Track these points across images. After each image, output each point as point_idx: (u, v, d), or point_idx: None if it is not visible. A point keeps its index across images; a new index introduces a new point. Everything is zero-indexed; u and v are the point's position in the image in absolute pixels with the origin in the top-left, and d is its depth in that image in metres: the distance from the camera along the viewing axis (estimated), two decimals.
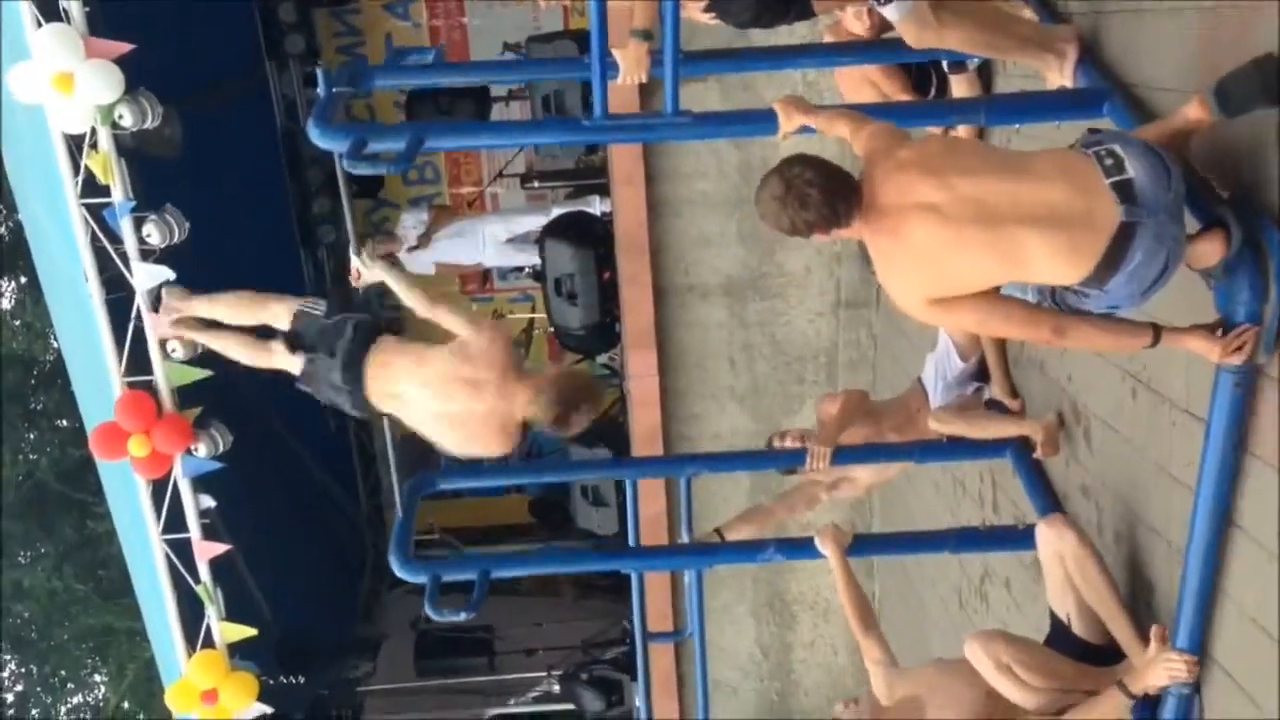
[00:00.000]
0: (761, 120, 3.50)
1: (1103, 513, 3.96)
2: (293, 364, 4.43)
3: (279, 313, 4.49)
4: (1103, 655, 3.55)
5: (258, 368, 4.70)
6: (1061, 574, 3.67)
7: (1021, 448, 4.39)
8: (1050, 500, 4.27)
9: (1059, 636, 3.69)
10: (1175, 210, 2.75)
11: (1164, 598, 3.48)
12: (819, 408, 5.17)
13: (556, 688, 8.82)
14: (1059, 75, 3.62)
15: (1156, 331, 2.94)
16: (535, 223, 8.16)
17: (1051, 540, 3.70)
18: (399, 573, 4.24)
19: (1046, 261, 2.81)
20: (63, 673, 14.77)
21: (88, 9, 5.44)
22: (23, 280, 12.65)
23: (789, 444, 4.84)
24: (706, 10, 3.93)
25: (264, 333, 4.69)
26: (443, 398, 4.06)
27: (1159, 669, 3.19)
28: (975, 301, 2.96)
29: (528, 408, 3.92)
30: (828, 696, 7.74)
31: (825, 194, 2.91)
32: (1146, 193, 2.71)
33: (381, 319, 4.62)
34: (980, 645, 3.49)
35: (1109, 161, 2.76)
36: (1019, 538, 4.21)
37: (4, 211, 12.45)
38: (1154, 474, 3.50)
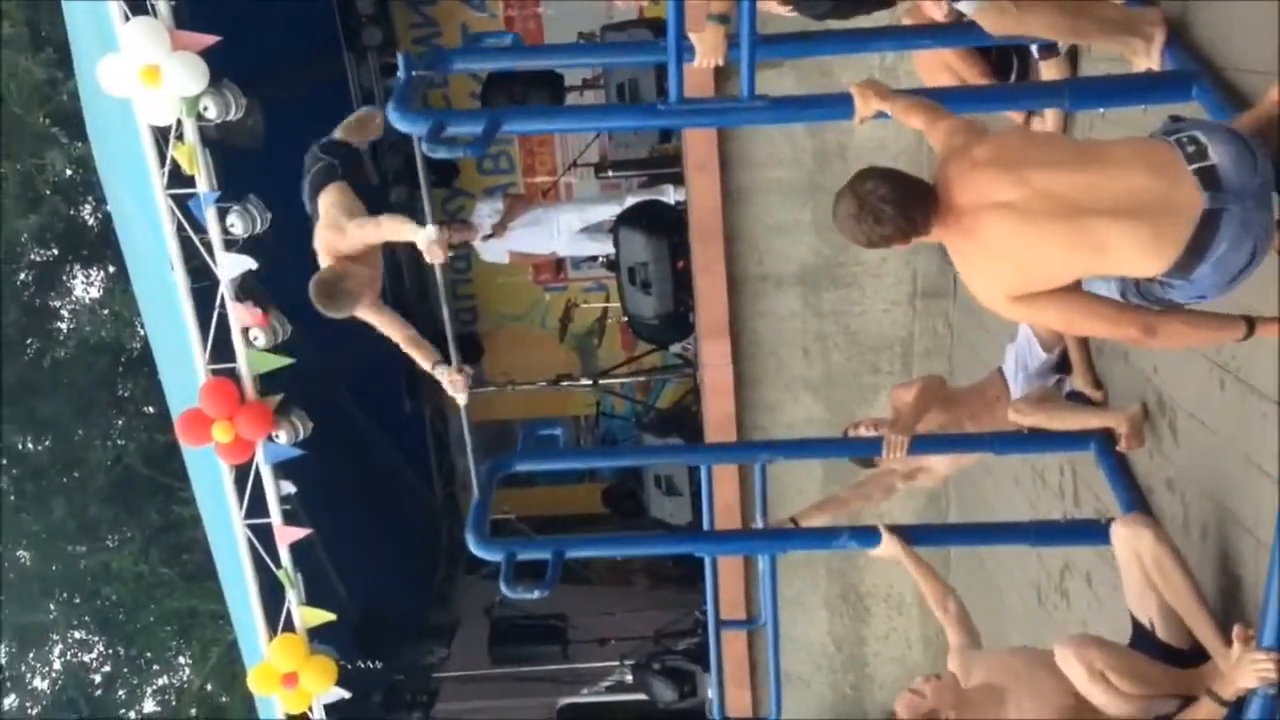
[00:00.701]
0: (838, 104, 3.46)
1: (1188, 508, 3.86)
2: None
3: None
4: (1188, 658, 3.46)
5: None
6: (1140, 574, 3.58)
7: (1105, 440, 4.30)
8: (1134, 494, 4.17)
9: (1142, 641, 3.60)
10: (1262, 196, 2.68)
11: (1251, 595, 3.39)
12: (893, 396, 5.11)
13: (629, 677, 8.84)
14: (1145, 59, 3.53)
15: (1250, 323, 2.87)
16: (609, 211, 8.18)
17: (1128, 539, 3.62)
18: (476, 551, 4.28)
19: (1129, 252, 2.75)
20: (148, 654, 15.12)
21: (173, 3, 5.55)
22: (111, 269, 12.97)
23: (864, 433, 4.80)
24: (784, 3, 3.90)
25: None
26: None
27: (1246, 670, 3.10)
28: (1060, 299, 2.91)
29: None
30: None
31: (899, 207, 2.90)
32: (1231, 178, 2.65)
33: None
34: (1073, 650, 3.41)
35: (1191, 148, 2.71)
36: (1101, 531, 4.11)
37: (93, 202, 12.78)
38: (1242, 467, 3.41)
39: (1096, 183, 2.76)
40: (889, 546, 4.16)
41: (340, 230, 5.01)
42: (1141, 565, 3.56)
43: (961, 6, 3.55)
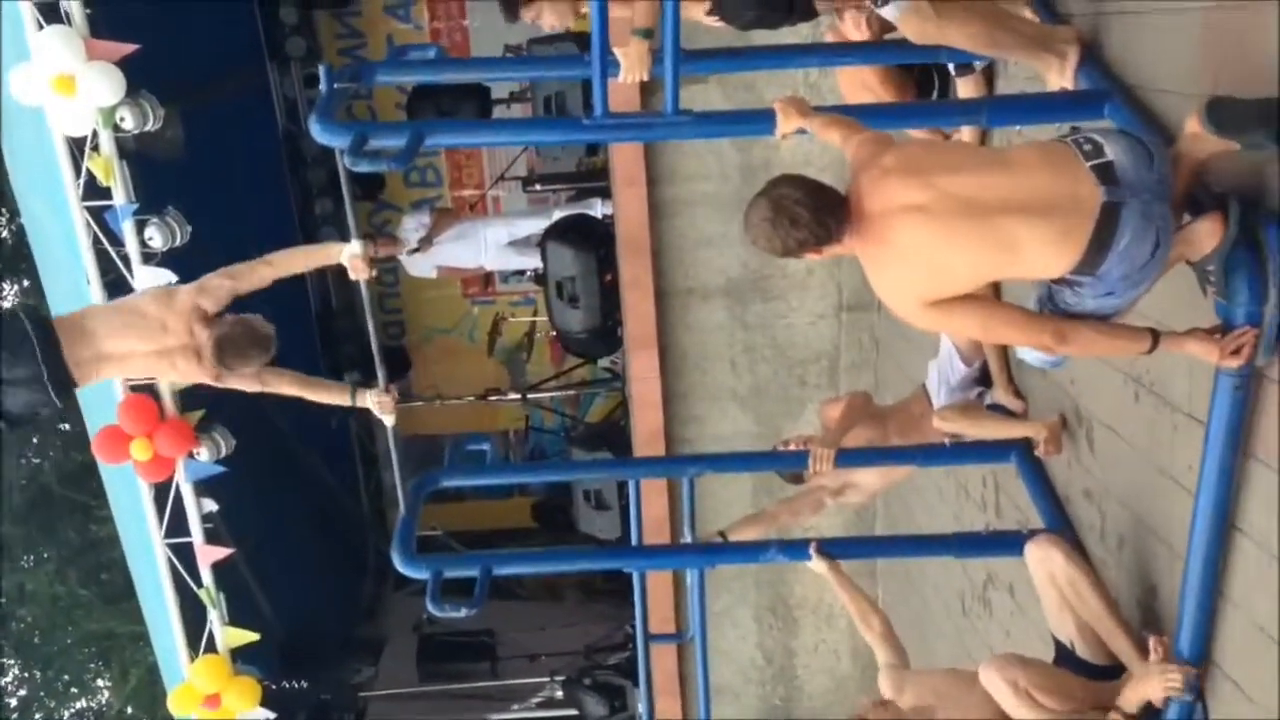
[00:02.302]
0: (761, 120, 3.49)
1: (1105, 517, 3.93)
2: None
3: None
4: (1110, 674, 3.52)
5: None
6: (1056, 595, 3.64)
7: (1026, 451, 4.37)
8: (1053, 504, 4.25)
9: (1064, 660, 3.66)
10: (1160, 190, 2.77)
11: (1167, 604, 3.46)
12: (822, 412, 5.15)
13: (559, 693, 8.80)
14: (1060, 77, 3.61)
15: (1155, 336, 2.94)
16: (537, 225, 8.15)
17: (1040, 561, 3.68)
18: (402, 568, 4.24)
19: (1037, 249, 2.82)
20: (66, 677, 14.76)
21: (89, 11, 5.44)
22: (25, 283, 12.67)
23: (793, 448, 4.83)
24: (710, 14, 3.92)
25: None
26: (148, 337, 4.31)
27: (1155, 683, 3.17)
28: (974, 305, 2.97)
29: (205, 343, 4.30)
30: (831, 703, 7.71)
31: (814, 211, 2.93)
32: (1128, 173, 2.75)
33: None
34: (996, 670, 3.45)
35: (1087, 147, 2.82)
36: (1022, 542, 4.18)
37: (6, 214, 12.47)
38: (1156, 477, 3.48)
39: (1001, 183, 2.84)
40: (817, 564, 4.19)
41: (216, 288, 4.36)
42: (1056, 586, 3.62)
43: (884, 11, 3.59)
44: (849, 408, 4.81)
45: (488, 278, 9.92)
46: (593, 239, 7.28)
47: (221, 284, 4.34)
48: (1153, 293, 2.95)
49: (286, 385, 4.59)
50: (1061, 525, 4.13)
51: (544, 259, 7.49)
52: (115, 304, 4.63)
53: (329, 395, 4.73)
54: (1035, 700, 3.37)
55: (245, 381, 4.46)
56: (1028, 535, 3.92)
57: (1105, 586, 3.62)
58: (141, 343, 4.30)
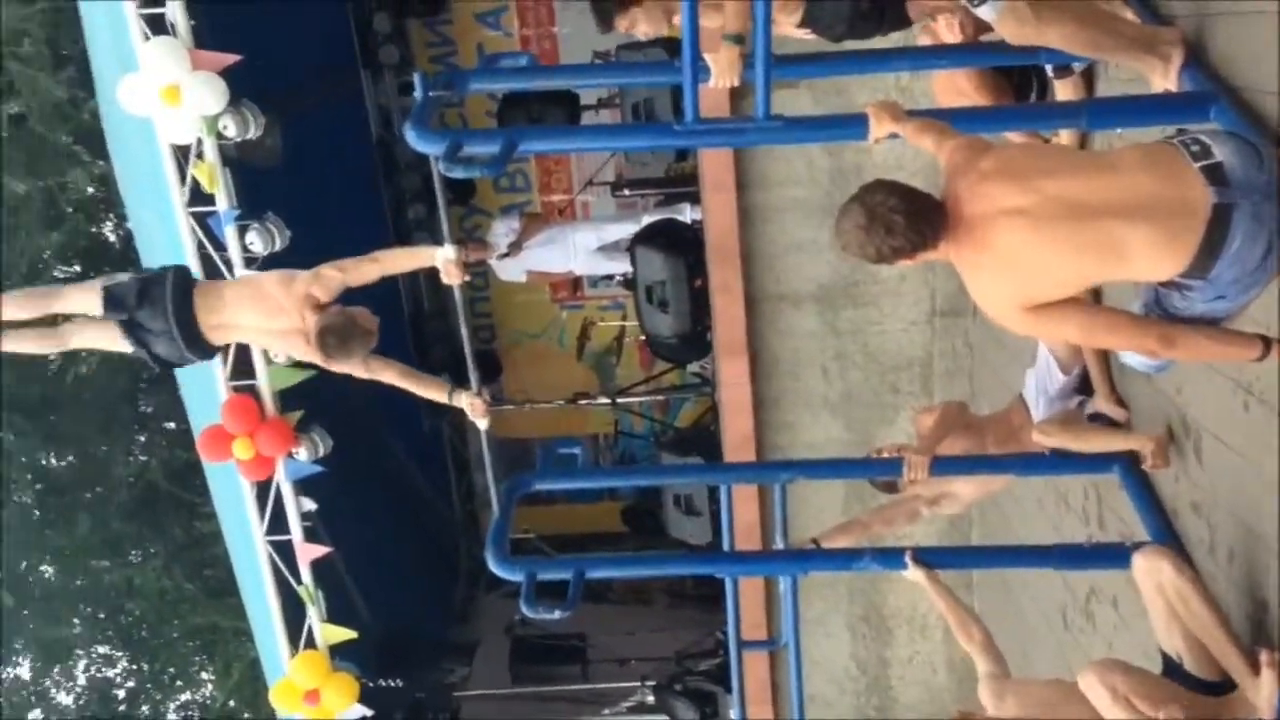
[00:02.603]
0: (853, 125, 3.43)
1: (1215, 530, 3.80)
2: (105, 331, 4.63)
3: (80, 299, 4.69)
4: (1218, 689, 3.40)
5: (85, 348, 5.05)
6: (1165, 607, 3.52)
7: (1130, 462, 4.24)
8: (1159, 517, 4.11)
9: (1172, 674, 3.53)
10: (1270, 191, 2.68)
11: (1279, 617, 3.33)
12: (917, 420, 5.06)
13: (650, 698, 8.79)
14: (1163, 78, 3.50)
15: (1267, 343, 2.83)
16: (626, 230, 8.17)
17: (1149, 572, 3.56)
18: (496, 570, 4.26)
19: (1144, 252, 2.74)
20: (171, 670, 15.14)
21: (193, 22, 5.58)
22: None
23: (887, 455, 4.75)
24: (801, 25, 3.88)
25: None
26: (266, 315, 4.62)
27: (1272, 695, 3.05)
28: (1075, 310, 2.89)
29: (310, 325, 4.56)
30: (926, 715, 7.59)
31: (910, 218, 2.87)
32: (1237, 174, 2.67)
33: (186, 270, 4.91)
34: (1096, 675, 3.35)
35: (1195, 148, 2.73)
36: (1126, 555, 4.05)
37: (114, 220, 12.86)
38: (1268, 490, 3.35)
39: (1106, 186, 2.76)
40: (913, 573, 4.12)
41: (329, 279, 4.57)
42: (1165, 597, 3.50)
43: (980, 11, 3.51)
44: (944, 416, 4.72)
45: (576, 282, 9.97)
46: (682, 244, 7.27)
47: (333, 275, 4.55)
48: (1264, 298, 2.84)
49: (391, 374, 4.75)
50: (1168, 538, 4.00)
51: (633, 264, 7.50)
52: (247, 278, 5.18)
53: (428, 389, 4.86)
54: (1135, 708, 3.26)
55: (352, 366, 4.65)
56: (1132, 547, 3.80)
57: (1215, 599, 3.49)
58: (260, 319, 4.63)
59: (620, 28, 3.98)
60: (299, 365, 6.11)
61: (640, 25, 3.95)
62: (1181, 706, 3.29)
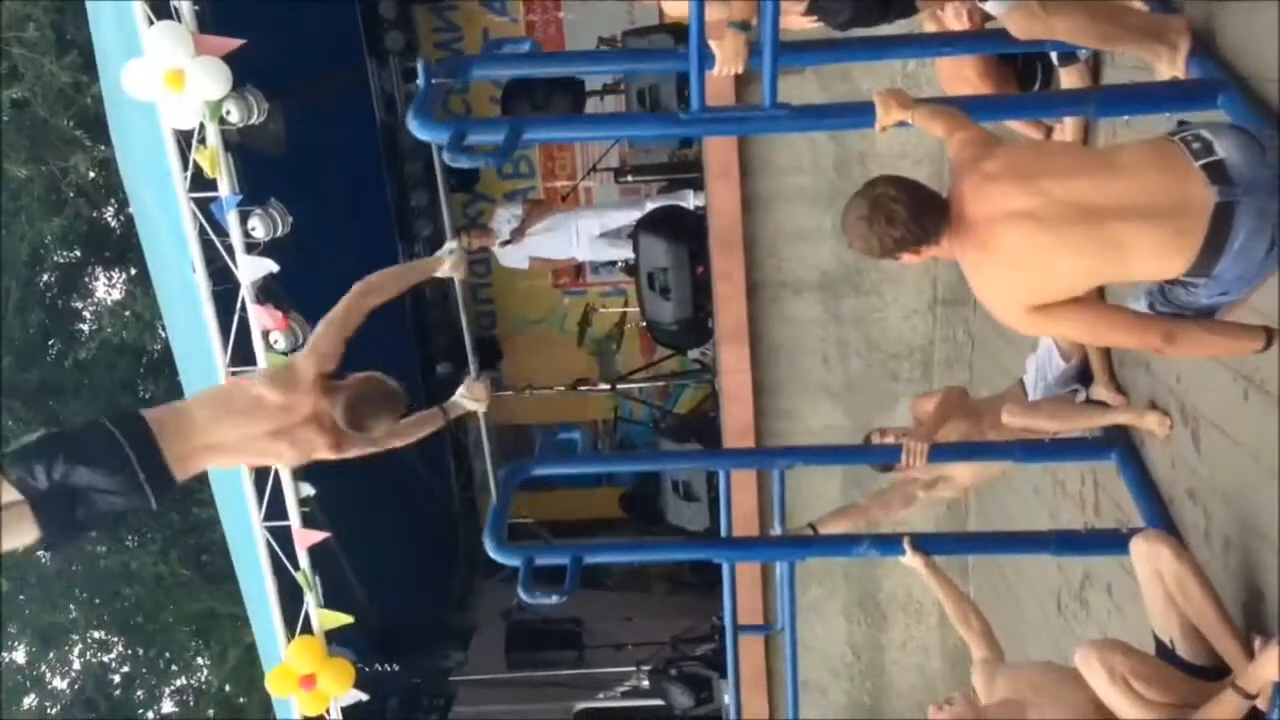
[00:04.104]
0: (860, 113, 3.45)
1: (1210, 518, 3.83)
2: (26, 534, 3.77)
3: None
4: (1210, 674, 3.43)
5: None
6: (1161, 591, 3.55)
7: (1127, 449, 4.28)
8: (1155, 504, 4.15)
9: (1164, 659, 3.57)
10: (1274, 185, 2.69)
11: (1273, 607, 3.36)
12: (914, 407, 5.09)
13: (645, 683, 8.83)
14: (1170, 67, 3.52)
15: (1270, 334, 2.85)
16: (629, 217, 8.18)
17: (1147, 557, 3.59)
18: (494, 555, 4.28)
19: (1148, 253, 2.75)
20: (167, 655, 15.17)
21: (197, 7, 5.58)
22: (133, 272, 13.02)
23: (886, 441, 4.78)
24: (807, 14, 3.89)
25: None
26: (262, 419, 4.00)
27: (1271, 664, 3.07)
28: (1080, 309, 2.90)
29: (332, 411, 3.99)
30: (920, 701, 7.63)
31: (912, 210, 2.89)
32: (1240, 171, 2.67)
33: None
34: (1095, 654, 3.37)
35: (1196, 145, 2.73)
36: (1122, 542, 4.09)
37: (116, 205, 12.85)
38: (1265, 479, 3.38)
39: (1110, 186, 2.77)
40: (911, 560, 4.15)
41: (325, 340, 4.06)
42: (1162, 582, 3.53)
43: (989, 7, 3.53)
44: (944, 402, 4.75)
45: (579, 269, 9.99)
46: (685, 231, 7.29)
47: (330, 336, 4.04)
48: (1265, 288, 2.86)
49: (404, 437, 4.30)
50: (1164, 525, 4.03)
51: (636, 250, 7.52)
52: (221, 391, 4.32)
53: (427, 427, 4.38)
54: (1132, 689, 3.28)
55: (362, 445, 4.17)
56: (1129, 534, 3.83)
57: (1212, 585, 3.52)
58: (259, 425, 4.00)
59: None
60: (295, 353, 6.08)
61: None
62: (1177, 689, 3.32)
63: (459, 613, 10.27)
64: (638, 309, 8.11)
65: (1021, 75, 4.40)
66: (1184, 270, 2.75)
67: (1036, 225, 2.79)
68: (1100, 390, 4.46)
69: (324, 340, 4.04)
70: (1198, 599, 3.44)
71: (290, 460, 4.34)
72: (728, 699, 5.98)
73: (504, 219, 8.46)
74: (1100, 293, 3.72)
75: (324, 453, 4.12)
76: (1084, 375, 4.60)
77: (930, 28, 4.40)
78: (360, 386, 4.03)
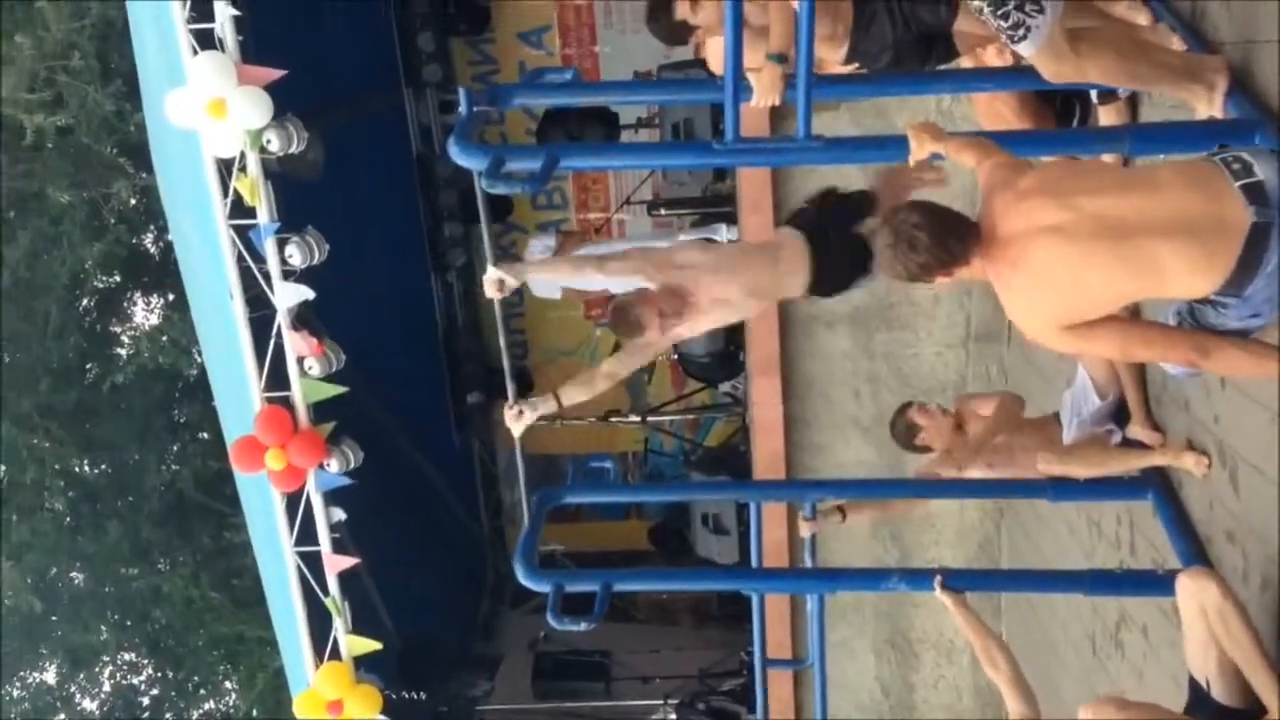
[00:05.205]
0: (893, 146, 3.46)
1: (1249, 559, 3.78)
2: None
3: None
4: (1243, 718, 3.37)
5: None
6: (1204, 629, 3.49)
7: (1164, 489, 4.23)
8: (1192, 545, 4.09)
9: (1197, 703, 3.51)
10: None
11: None
12: (961, 401, 5.04)
13: (672, 716, 8.78)
14: (1208, 106, 3.50)
15: None
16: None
17: (1194, 593, 3.53)
18: (524, 580, 4.27)
19: (1181, 271, 2.75)
20: (196, 678, 15.22)
21: (240, 37, 5.66)
22: (171, 297, 13.18)
23: (922, 421, 4.74)
24: (846, 63, 3.90)
25: None
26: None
27: None
28: (1112, 327, 2.91)
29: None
30: None
31: (934, 234, 2.91)
32: (1278, 193, 2.66)
33: None
34: (1093, 714, 3.34)
35: (1236, 166, 2.73)
36: (1159, 582, 4.04)
37: (155, 231, 13.03)
38: None
39: (1144, 204, 2.77)
40: (942, 596, 4.10)
41: None
42: (1206, 620, 3.47)
43: (1020, 49, 3.53)
44: (1000, 409, 4.71)
45: (611, 300, 9.99)
46: None
47: None
48: None
49: None
50: (1200, 566, 3.97)
51: None
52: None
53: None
54: None
55: None
56: (1165, 574, 3.78)
57: (1254, 625, 3.46)
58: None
59: (680, 12, 3.95)
60: (329, 380, 6.15)
61: (702, 13, 3.92)
62: None
63: (486, 642, 10.26)
64: None
65: (1060, 112, 4.39)
66: (1215, 289, 2.75)
67: (1066, 240, 2.80)
68: (1137, 429, 4.41)
69: None
70: (1239, 635, 3.38)
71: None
72: None
73: (537, 250, 8.47)
74: (1135, 310, 3.70)
75: None
76: (1120, 414, 4.55)
77: (967, 64, 4.40)
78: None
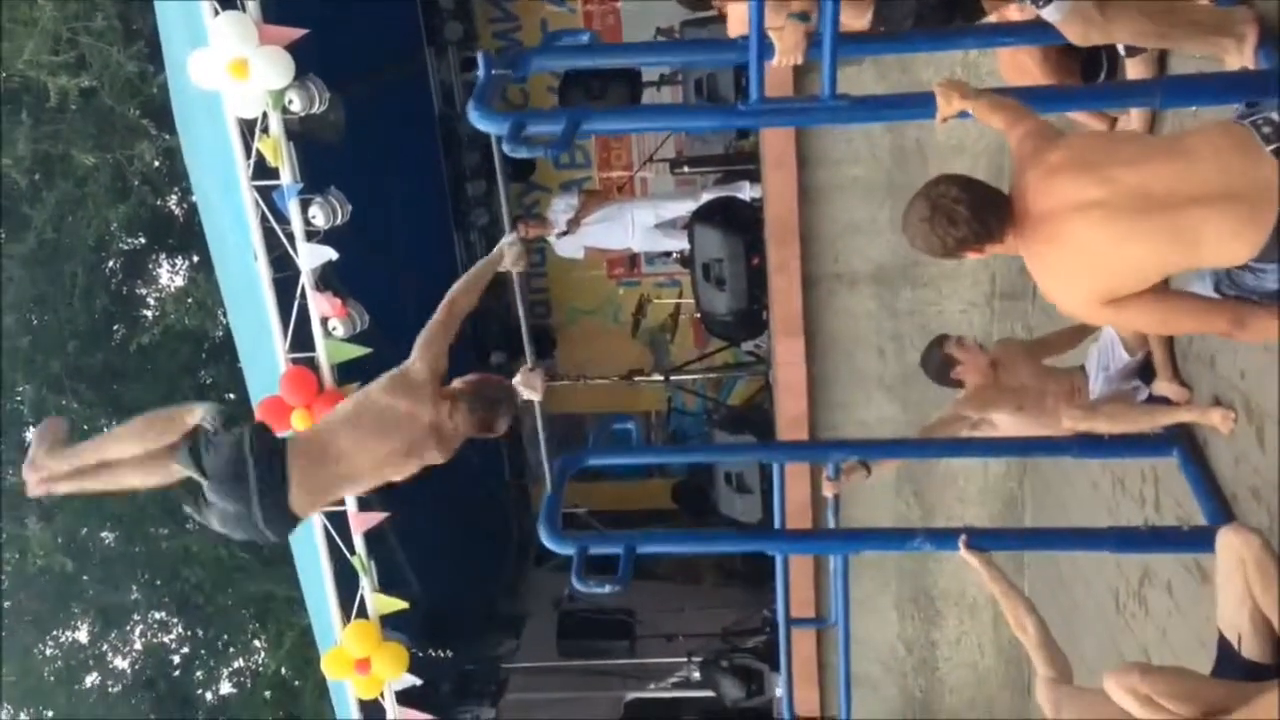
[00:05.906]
0: (920, 104, 3.41)
1: (1276, 518, 3.76)
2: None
3: (191, 421, 3.83)
4: (1265, 674, 3.36)
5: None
6: (1241, 583, 3.47)
7: (1189, 446, 4.21)
8: (1218, 502, 4.08)
9: (1225, 661, 3.49)
10: None
11: None
12: (1003, 345, 5.06)
13: (696, 674, 8.85)
14: (1238, 58, 3.45)
15: None
16: (684, 208, 8.18)
17: (1236, 547, 3.51)
18: (549, 544, 4.29)
19: (1219, 239, 2.72)
20: (225, 637, 15.42)
21: None
22: (195, 259, 13.23)
23: (960, 355, 4.77)
24: (871, 28, 3.86)
25: None
26: (384, 437, 3.86)
27: None
28: (1150, 300, 2.86)
29: (454, 419, 3.89)
30: (973, 698, 7.57)
31: (973, 209, 2.87)
32: None
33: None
34: (1115, 681, 3.30)
35: (1266, 129, 2.69)
36: (1184, 540, 4.04)
37: (180, 193, 13.06)
38: None
39: (1180, 174, 2.73)
40: (967, 557, 4.09)
41: (438, 338, 3.92)
42: (1244, 572, 3.45)
43: (1045, 13, 3.49)
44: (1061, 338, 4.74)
45: (633, 259, 10.00)
46: (740, 222, 7.26)
47: (437, 342, 3.89)
48: None
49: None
50: (1226, 524, 3.96)
51: (691, 241, 7.51)
52: (350, 412, 3.93)
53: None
54: (1165, 708, 3.21)
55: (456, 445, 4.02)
56: (1190, 532, 3.77)
57: None
58: (394, 441, 3.84)
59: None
60: (353, 341, 6.19)
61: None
62: (1204, 697, 3.24)
63: (511, 600, 10.35)
64: (692, 300, 8.11)
65: (1086, 66, 4.33)
66: (1253, 255, 2.72)
67: (1106, 215, 2.75)
68: (1163, 385, 4.39)
69: (432, 345, 3.89)
70: (1275, 587, 3.37)
71: (408, 473, 4.04)
72: (779, 692, 5.98)
73: (560, 209, 8.48)
74: (1165, 280, 3.67)
75: (437, 460, 3.97)
76: (1146, 370, 4.52)
77: (992, 19, 4.34)
78: (478, 389, 3.92)
